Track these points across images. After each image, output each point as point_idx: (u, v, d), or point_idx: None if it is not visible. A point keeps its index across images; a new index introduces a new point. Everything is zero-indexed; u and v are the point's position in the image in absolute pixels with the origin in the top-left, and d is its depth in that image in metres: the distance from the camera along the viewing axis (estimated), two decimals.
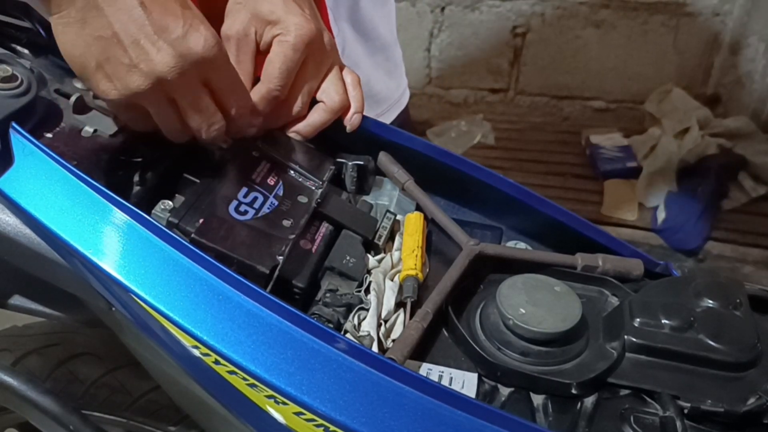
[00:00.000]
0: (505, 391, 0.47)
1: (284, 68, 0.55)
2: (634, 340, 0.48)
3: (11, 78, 0.48)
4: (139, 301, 0.44)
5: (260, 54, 0.57)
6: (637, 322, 0.48)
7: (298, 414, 0.42)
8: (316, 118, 0.59)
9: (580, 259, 0.55)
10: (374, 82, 0.92)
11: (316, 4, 0.81)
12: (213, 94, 0.49)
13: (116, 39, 0.44)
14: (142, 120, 0.50)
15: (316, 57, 0.57)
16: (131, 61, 0.44)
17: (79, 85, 0.54)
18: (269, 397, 0.42)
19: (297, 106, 0.58)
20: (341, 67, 0.60)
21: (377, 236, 0.57)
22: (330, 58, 0.58)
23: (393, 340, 0.50)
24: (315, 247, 0.53)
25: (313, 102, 0.59)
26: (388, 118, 0.97)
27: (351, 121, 0.59)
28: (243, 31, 0.56)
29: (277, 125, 0.58)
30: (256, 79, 0.57)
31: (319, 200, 0.55)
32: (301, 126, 0.59)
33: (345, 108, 0.59)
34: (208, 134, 0.50)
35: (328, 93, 0.58)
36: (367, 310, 0.50)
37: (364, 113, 0.60)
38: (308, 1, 0.58)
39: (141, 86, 0.45)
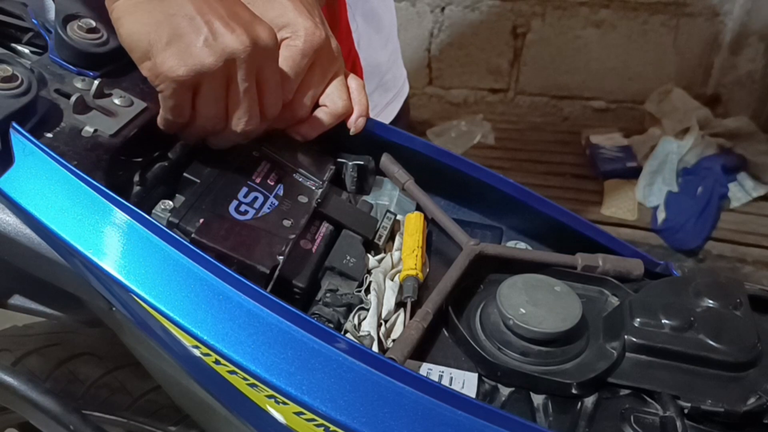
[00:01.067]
0: (505, 391, 0.47)
1: (291, 72, 0.55)
2: (634, 340, 0.48)
3: (11, 78, 0.48)
4: (139, 300, 0.44)
5: None
6: (637, 322, 0.48)
7: (298, 414, 0.42)
8: (318, 121, 0.59)
9: (581, 259, 0.55)
10: (385, 71, 0.97)
11: (335, 1, 0.83)
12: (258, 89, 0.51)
13: (192, 18, 0.46)
14: (184, 108, 0.50)
15: (323, 63, 0.57)
16: (206, 39, 0.46)
17: (79, 85, 0.53)
18: (269, 397, 0.42)
19: (301, 110, 0.58)
20: (346, 74, 0.61)
21: (377, 236, 0.57)
22: (336, 64, 0.59)
23: (393, 340, 0.50)
24: (315, 247, 0.53)
25: (317, 106, 0.59)
26: (395, 107, 1.00)
27: (355, 124, 0.59)
28: None
29: (280, 127, 0.59)
30: None
31: (319, 200, 0.55)
32: (303, 128, 0.59)
33: (348, 113, 0.59)
34: (247, 125, 0.51)
35: (332, 98, 0.58)
36: (368, 310, 0.50)
37: (372, 107, 0.61)
38: (317, 8, 0.58)
39: (214, 63, 0.46)
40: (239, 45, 0.47)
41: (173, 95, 0.49)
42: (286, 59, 0.55)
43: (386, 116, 1.00)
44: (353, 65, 0.90)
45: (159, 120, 0.52)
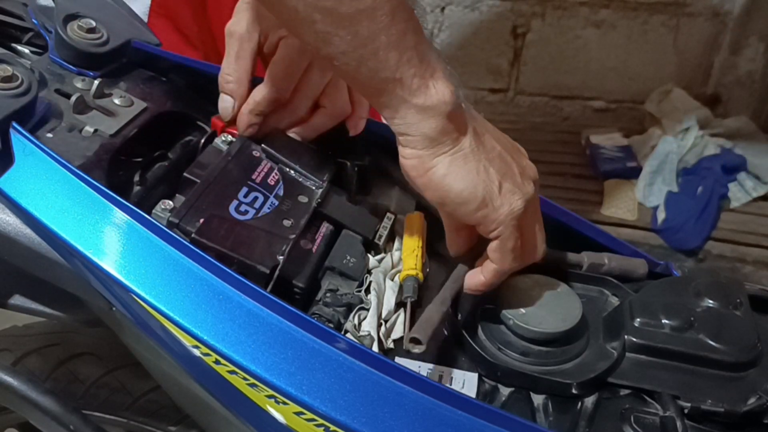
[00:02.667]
0: (505, 391, 0.47)
1: (288, 71, 0.55)
2: (634, 340, 0.48)
3: (11, 78, 0.48)
4: (139, 300, 0.44)
5: (265, 55, 0.57)
6: (637, 322, 0.48)
7: (298, 414, 0.42)
8: (317, 121, 0.59)
9: (586, 258, 0.55)
10: None
11: None
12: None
13: (502, 157, 0.49)
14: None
15: (322, 62, 0.57)
16: (520, 174, 0.49)
17: (79, 85, 0.53)
18: (269, 396, 0.42)
19: (299, 110, 0.58)
20: None
21: (377, 236, 0.57)
22: None
23: (393, 340, 0.50)
24: (315, 246, 0.53)
25: (317, 106, 0.59)
26: None
27: (356, 125, 0.59)
28: (247, 29, 0.56)
29: (279, 127, 0.58)
30: (257, 80, 0.57)
31: (319, 200, 0.55)
32: (302, 128, 0.59)
33: (346, 114, 0.59)
34: (540, 255, 0.51)
35: (331, 98, 0.58)
36: (368, 309, 0.50)
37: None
38: None
39: (533, 190, 0.49)
40: (533, 173, 0.51)
41: (515, 230, 0.48)
42: (284, 58, 0.55)
43: None
44: None
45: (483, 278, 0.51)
